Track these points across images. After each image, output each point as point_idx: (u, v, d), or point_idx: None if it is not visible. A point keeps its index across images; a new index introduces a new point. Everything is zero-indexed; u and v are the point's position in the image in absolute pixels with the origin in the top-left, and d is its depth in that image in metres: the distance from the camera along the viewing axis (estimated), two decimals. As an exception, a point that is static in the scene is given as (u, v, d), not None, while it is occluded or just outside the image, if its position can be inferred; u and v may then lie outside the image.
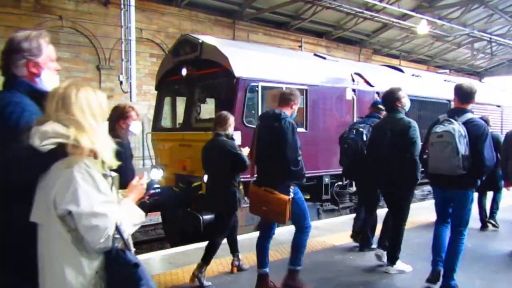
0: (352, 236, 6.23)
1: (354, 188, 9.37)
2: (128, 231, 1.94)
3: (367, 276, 4.98)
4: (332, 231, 7.08)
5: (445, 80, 13.35)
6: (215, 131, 4.92)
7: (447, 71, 19.69)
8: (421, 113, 10.30)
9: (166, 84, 9.00)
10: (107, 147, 1.93)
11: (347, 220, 8.10)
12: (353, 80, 9.33)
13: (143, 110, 13.87)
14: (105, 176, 1.91)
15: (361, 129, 5.76)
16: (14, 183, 1.96)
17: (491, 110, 12.80)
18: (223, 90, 8.03)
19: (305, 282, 4.50)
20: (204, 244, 6.23)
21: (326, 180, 8.61)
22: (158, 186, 7.47)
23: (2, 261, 2.07)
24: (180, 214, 7.37)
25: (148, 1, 15.71)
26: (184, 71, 8.09)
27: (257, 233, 5.46)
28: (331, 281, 4.83)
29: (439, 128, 4.17)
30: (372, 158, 5.17)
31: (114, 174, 2.02)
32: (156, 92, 9.41)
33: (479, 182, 4.32)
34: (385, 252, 5.23)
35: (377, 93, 9.72)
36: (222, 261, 5.43)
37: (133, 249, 1.99)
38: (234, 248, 5.11)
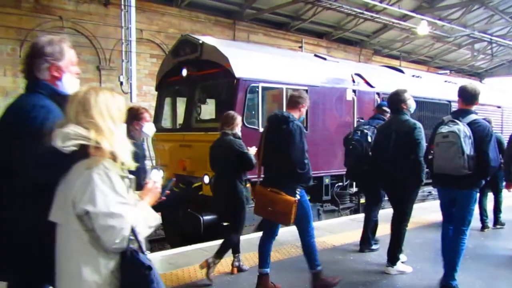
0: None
1: (354, 189, 9.38)
2: (143, 233, 1.99)
3: (367, 277, 4.98)
4: (332, 231, 7.08)
5: (445, 81, 13.36)
6: (222, 130, 4.98)
7: (448, 72, 19.61)
8: (422, 114, 10.30)
9: (166, 84, 9.01)
10: (125, 149, 2.00)
11: (347, 220, 8.11)
12: (353, 80, 9.33)
13: (143, 110, 13.84)
14: (123, 177, 1.97)
15: (365, 131, 5.79)
16: (37, 183, 2.03)
17: (492, 111, 12.80)
18: (223, 91, 8.04)
19: (330, 276, 4.57)
20: (204, 245, 6.27)
21: (327, 181, 8.61)
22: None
23: (21, 260, 2.13)
24: (180, 214, 7.38)
25: (148, 1, 15.70)
26: (184, 72, 8.10)
27: (257, 234, 5.47)
28: (331, 282, 4.82)
29: (444, 129, 4.22)
30: (377, 159, 5.20)
31: (131, 176, 2.07)
32: (156, 92, 9.41)
33: (483, 182, 4.36)
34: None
35: (377, 93, 9.73)
36: (222, 261, 5.42)
37: (147, 252, 2.03)
38: (235, 249, 5.11)
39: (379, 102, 9.56)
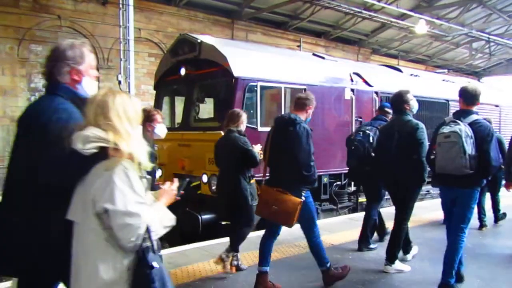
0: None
1: (353, 188, 9.40)
2: (158, 232, 2.04)
3: (365, 276, 4.99)
4: (330, 231, 7.09)
5: (443, 80, 13.38)
6: (227, 127, 5.05)
7: (446, 70, 19.71)
8: (420, 113, 10.27)
9: (165, 83, 9.00)
10: (142, 150, 2.06)
11: (345, 219, 8.12)
12: (351, 80, 9.34)
13: (142, 109, 13.84)
14: (140, 178, 2.02)
15: (367, 132, 5.84)
16: (59, 185, 2.08)
17: (490, 110, 12.83)
18: (221, 90, 8.04)
19: (340, 270, 4.66)
20: (202, 244, 6.28)
21: (325, 180, 8.62)
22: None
23: (37, 258, 2.19)
24: (178, 213, 7.37)
25: (147, 0, 15.68)
26: (182, 71, 8.09)
27: (256, 233, 5.49)
28: (329, 281, 4.83)
29: (446, 129, 4.26)
30: (379, 160, 5.25)
31: (148, 176, 2.14)
32: (154, 91, 9.40)
33: (484, 181, 4.43)
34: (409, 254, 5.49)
35: (376, 93, 9.74)
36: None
37: (160, 251, 2.07)
38: (234, 248, 5.11)
39: (380, 102, 9.64)
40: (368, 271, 5.16)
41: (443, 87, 12.36)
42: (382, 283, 4.78)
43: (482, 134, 4.21)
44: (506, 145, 6.57)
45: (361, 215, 8.29)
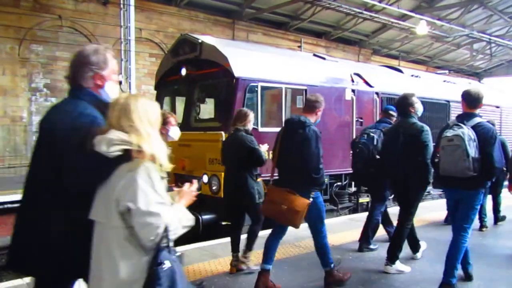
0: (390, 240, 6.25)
1: (353, 189, 9.39)
2: (177, 232, 2.09)
3: (366, 276, 4.99)
4: (331, 231, 7.04)
5: (444, 81, 13.36)
6: (234, 126, 5.10)
7: (447, 71, 19.64)
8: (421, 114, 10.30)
9: (166, 84, 9.00)
10: (163, 152, 2.13)
11: (346, 220, 8.12)
12: (352, 80, 9.33)
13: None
14: (162, 178, 2.09)
15: (372, 134, 5.88)
16: (83, 188, 2.14)
17: (490, 111, 12.81)
18: (222, 90, 8.04)
19: (342, 272, 4.68)
20: (203, 244, 6.27)
21: (325, 180, 8.61)
22: None
23: (61, 259, 2.24)
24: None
25: (148, 0, 15.70)
26: (183, 71, 8.09)
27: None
28: (330, 281, 4.82)
29: (449, 133, 4.30)
30: (385, 161, 5.29)
31: (167, 177, 2.20)
32: (155, 92, 9.40)
33: (489, 183, 4.47)
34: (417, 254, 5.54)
35: (377, 93, 9.73)
36: (221, 261, 5.43)
37: (176, 251, 2.12)
38: (235, 247, 5.12)
39: (380, 103, 9.65)
40: (369, 271, 5.16)
41: (444, 88, 12.35)
42: (382, 283, 4.78)
43: (485, 136, 4.25)
44: (510, 147, 6.65)
45: (361, 215, 8.31)
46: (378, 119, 9.49)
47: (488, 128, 4.32)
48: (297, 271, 5.08)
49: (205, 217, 6.93)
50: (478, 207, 4.48)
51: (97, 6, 14.86)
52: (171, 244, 2.06)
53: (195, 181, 2.42)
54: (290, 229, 4.56)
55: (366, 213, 8.52)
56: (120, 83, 12.96)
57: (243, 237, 5.21)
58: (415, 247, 5.57)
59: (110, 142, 2.02)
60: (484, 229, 7.24)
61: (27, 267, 2.39)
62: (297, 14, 19.53)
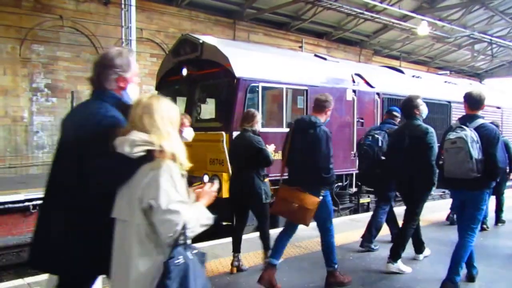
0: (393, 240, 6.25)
1: (354, 189, 9.39)
2: (195, 230, 2.15)
3: (366, 277, 4.98)
4: (331, 231, 7.06)
5: (445, 82, 13.36)
6: (242, 126, 5.14)
7: (448, 72, 19.64)
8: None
9: (167, 84, 9.00)
10: (183, 151, 2.21)
11: (346, 220, 8.11)
12: (353, 81, 9.33)
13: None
14: (182, 176, 2.16)
15: (376, 136, 5.92)
16: (106, 190, 2.20)
17: (491, 111, 12.81)
18: (223, 90, 8.04)
19: (344, 274, 4.68)
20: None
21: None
22: None
23: (81, 257, 2.29)
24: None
25: (149, 1, 15.70)
26: (184, 71, 8.09)
27: (256, 233, 5.48)
28: (330, 282, 4.82)
29: (452, 135, 4.35)
30: (390, 163, 5.34)
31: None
32: (156, 92, 9.40)
33: (493, 183, 4.50)
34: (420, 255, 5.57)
35: (377, 94, 9.73)
36: (221, 261, 5.43)
37: (196, 248, 2.18)
38: (236, 247, 5.12)
39: (381, 103, 9.66)
40: (369, 271, 5.15)
41: (445, 89, 12.35)
42: (383, 284, 4.78)
43: (488, 137, 4.30)
44: None
45: (362, 216, 8.31)
46: (379, 119, 9.55)
47: (491, 129, 4.37)
48: (297, 272, 5.07)
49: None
50: (484, 207, 4.53)
51: (98, 6, 14.87)
52: (189, 241, 2.11)
53: (216, 181, 2.49)
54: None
55: (367, 214, 8.56)
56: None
57: (245, 237, 5.21)
58: (419, 248, 5.59)
59: (133, 143, 2.08)
60: (484, 226, 7.23)
61: (47, 265, 2.45)
62: (298, 15, 19.52)
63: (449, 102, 11.54)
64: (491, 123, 4.62)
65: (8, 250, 8.79)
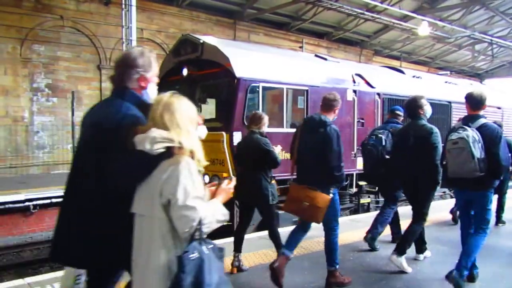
0: (394, 240, 6.24)
1: (354, 190, 9.39)
2: (211, 226, 2.19)
3: (366, 277, 4.98)
4: (332, 232, 7.06)
5: (445, 82, 13.35)
6: (250, 128, 5.17)
7: (448, 72, 19.65)
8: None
9: (167, 84, 8.97)
10: (200, 148, 2.28)
11: (346, 221, 8.10)
12: (354, 81, 9.33)
13: (144, 110, 13.89)
14: (199, 172, 2.21)
15: (380, 135, 5.94)
16: (126, 187, 2.24)
17: (492, 112, 12.79)
18: (224, 91, 8.04)
19: (344, 275, 4.67)
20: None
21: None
22: None
23: (103, 252, 2.35)
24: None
25: (149, 1, 15.72)
26: (185, 71, 8.10)
27: (257, 234, 5.50)
28: (330, 282, 4.82)
29: (454, 136, 4.40)
30: (395, 163, 5.38)
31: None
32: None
33: (497, 182, 4.53)
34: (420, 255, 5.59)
35: (378, 94, 9.73)
36: (222, 261, 5.42)
37: (213, 243, 2.20)
38: (238, 247, 5.12)
39: (381, 104, 9.66)
40: (369, 271, 5.15)
41: (446, 89, 12.34)
42: (383, 284, 4.78)
43: (490, 136, 4.34)
44: None
45: (362, 216, 8.31)
46: (379, 119, 9.56)
47: (493, 128, 4.41)
48: (298, 271, 5.07)
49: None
50: (491, 206, 4.58)
51: (98, 6, 14.89)
52: (205, 237, 2.16)
53: (233, 178, 2.52)
54: (288, 231, 4.59)
55: (367, 214, 8.57)
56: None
57: (247, 237, 5.23)
58: (420, 248, 5.60)
59: (153, 140, 2.13)
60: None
61: (68, 259, 2.53)
62: (299, 15, 19.54)
63: (450, 102, 11.54)
64: (494, 122, 4.65)
65: (8, 250, 8.80)
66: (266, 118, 5.22)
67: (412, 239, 5.17)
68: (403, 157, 5.12)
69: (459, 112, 10.44)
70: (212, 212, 2.20)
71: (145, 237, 2.19)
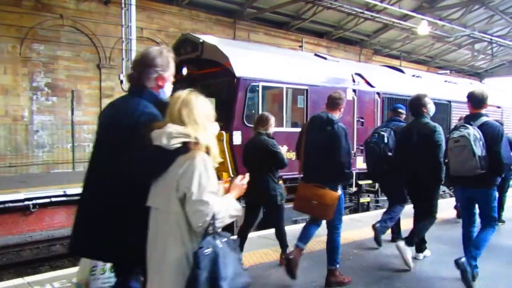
0: (394, 240, 6.22)
1: (354, 189, 9.39)
2: (224, 221, 2.22)
3: (366, 277, 4.98)
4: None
5: (445, 81, 13.35)
6: (256, 130, 5.19)
7: (448, 72, 19.64)
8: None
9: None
10: (216, 144, 2.32)
11: (346, 220, 8.09)
12: (353, 80, 9.33)
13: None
14: (214, 168, 2.25)
15: (382, 133, 5.95)
16: (144, 183, 2.29)
17: (492, 111, 12.78)
18: (223, 90, 8.04)
19: (344, 274, 4.69)
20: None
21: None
22: None
23: (119, 245, 2.41)
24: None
25: (149, 0, 15.71)
26: (184, 71, 8.10)
27: (257, 233, 5.51)
28: (330, 281, 4.83)
29: (455, 134, 4.45)
30: (398, 161, 5.40)
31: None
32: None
33: (499, 179, 4.58)
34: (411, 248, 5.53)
35: (378, 93, 9.73)
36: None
37: (223, 236, 2.22)
38: (240, 246, 5.13)
39: (381, 103, 9.65)
40: (369, 271, 5.15)
41: (445, 88, 12.35)
42: (383, 283, 4.78)
43: (492, 134, 4.39)
44: None
45: (362, 215, 8.32)
46: (379, 119, 9.56)
47: (494, 126, 4.46)
48: (298, 271, 5.07)
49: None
50: (495, 203, 4.62)
51: (98, 5, 14.87)
52: (219, 231, 2.19)
53: (247, 174, 2.56)
54: (289, 230, 4.60)
55: (367, 213, 8.58)
56: (121, 82, 12.99)
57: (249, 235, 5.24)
58: (420, 247, 5.59)
59: (170, 135, 2.17)
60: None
61: (87, 251, 2.61)
62: (299, 14, 19.53)
63: (449, 101, 11.54)
64: (496, 121, 4.69)
65: (8, 249, 8.79)
66: (272, 119, 5.24)
67: (422, 232, 5.24)
68: (406, 155, 5.16)
69: (458, 111, 10.45)
70: (225, 207, 2.23)
71: (161, 232, 2.22)
